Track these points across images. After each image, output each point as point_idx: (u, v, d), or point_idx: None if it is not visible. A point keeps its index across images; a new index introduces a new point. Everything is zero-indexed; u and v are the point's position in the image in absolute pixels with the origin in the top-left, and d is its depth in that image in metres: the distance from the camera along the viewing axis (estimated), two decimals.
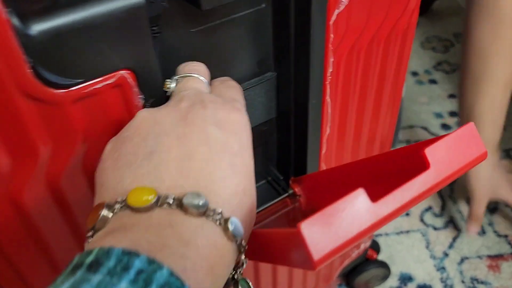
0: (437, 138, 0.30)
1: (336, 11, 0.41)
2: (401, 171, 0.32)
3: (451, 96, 1.36)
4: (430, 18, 1.64)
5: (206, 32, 0.41)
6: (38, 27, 0.28)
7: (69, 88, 0.31)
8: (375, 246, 0.93)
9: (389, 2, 0.45)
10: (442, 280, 0.95)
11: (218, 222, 0.26)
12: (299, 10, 0.41)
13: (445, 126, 1.26)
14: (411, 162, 0.31)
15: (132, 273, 0.22)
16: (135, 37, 0.32)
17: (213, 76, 0.44)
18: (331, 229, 0.25)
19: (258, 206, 0.54)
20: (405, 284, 0.94)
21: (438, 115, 1.30)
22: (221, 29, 0.42)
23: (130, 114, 0.35)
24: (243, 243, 0.28)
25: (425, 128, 1.26)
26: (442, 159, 0.29)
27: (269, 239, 0.30)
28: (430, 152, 0.29)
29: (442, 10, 1.67)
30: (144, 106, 0.35)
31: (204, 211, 0.26)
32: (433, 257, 0.99)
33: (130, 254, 0.22)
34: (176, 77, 0.36)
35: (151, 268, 0.22)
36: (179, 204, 0.26)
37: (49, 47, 0.29)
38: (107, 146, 0.31)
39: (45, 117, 0.32)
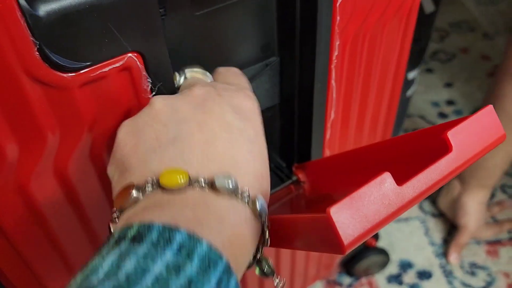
0: (458, 120, 0.30)
1: None
2: (422, 153, 0.31)
3: (447, 85, 1.36)
4: None
5: (210, 15, 0.40)
6: (45, 8, 0.27)
7: (77, 71, 0.30)
8: (374, 234, 0.93)
9: None
10: (441, 266, 0.95)
11: (247, 202, 0.28)
12: None
13: (442, 115, 1.26)
14: (431, 144, 0.30)
15: (174, 245, 0.23)
16: (144, 18, 0.31)
17: (217, 60, 0.44)
18: (359, 213, 0.25)
19: None
20: (405, 271, 0.94)
21: (435, 104, 1.30)
22: (225, 12, 0.41)
23: (138, 99, 0.34)
24: (267, 221, 0.29)
25: (422, 117, 1.26)
26: (464, 142, 0.29)
27: (292, 224, 0.29)
28: (452, 135, 0.29)
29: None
30: (152, 90, 0.34)
31: (234, 192, 0.28)
32: (432, 243, 0.99)
33: (171, 229, 0.24)
34: (185, 70, 0.38)
35: (192, 241, 0.24)
36: (211, 185, 0.28)
37: (57, 29, 0.28)
38: (120, 132, 0.31)
39: (52, 101, 0.31)
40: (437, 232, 1.01)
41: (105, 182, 0.38)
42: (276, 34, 0.46)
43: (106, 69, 0.31)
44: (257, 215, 0.29)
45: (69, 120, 0.32)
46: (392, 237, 1.00)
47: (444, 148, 0.28)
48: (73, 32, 0.29)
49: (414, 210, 1.05)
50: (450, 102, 1.30)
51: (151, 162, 0.29)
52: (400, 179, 0.26)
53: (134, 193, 0.27)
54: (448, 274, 0.94)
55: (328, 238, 0.24)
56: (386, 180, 0.25)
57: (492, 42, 1.50)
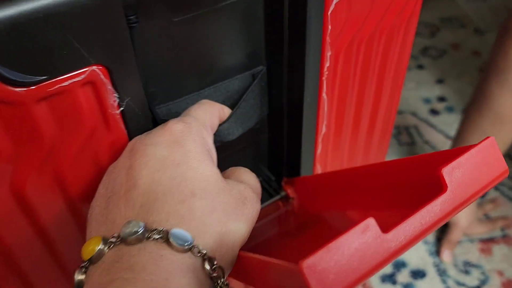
0: (455, 152, 0.26)
1: (335, 1, 0.37)
2: (414, 187, 0.28)
3: (439, 81, 1.35)
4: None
5: (190, 22, 0.37)
6: None
7: (31, 86, 0.27)
8: None
9: None
10: (435, 265, 0.94)
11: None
12: None
13: (433, 111, 1.26)
14: (425, 177, 0.27)
15: None
16: (108, 27, 0.28)
17: (198, 71, 0.41)
18: (337, 267, 0.22)
19: None
20: (399, 270, 0.93)
21: (426, 101, 1.29)
22: (207, 19, 0.38)
23: (103, 115, 0.31)
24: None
25: (413, 114, 1.25)
26: (461, 180, 0.25)
27: (264, 268, 0.26)
28: (448, 173, 0.25)
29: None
30: (120, 106, 0.31)
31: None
32: (425, 242, 0.99)
33: None
34: None
35: None
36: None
37: (5, 40, 0.25)
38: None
39: (5, 118, 0.28)
40: None
41: (74, 208, 0.35)
42: (263, 41, 0.42)
43: (66, 83, 0.28)
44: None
45: (25, 137, 0.29)
46: None
47: (438, 187, 0.25)
48: (25, 43, 0.26)
49: None
50: (441, 99, 1.29)
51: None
52: (386, 224, 0.23)
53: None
54: (442, 273, 0.93)
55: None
56: (369, 227, 0.22)
57: (483, 38, 1.48)
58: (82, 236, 0.37)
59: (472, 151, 0.26)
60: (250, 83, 0.44)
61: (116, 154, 0.34)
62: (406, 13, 0.45)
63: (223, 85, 0.42)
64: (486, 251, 0.96)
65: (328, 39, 0.39)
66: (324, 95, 0.43)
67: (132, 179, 0.29)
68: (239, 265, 0.30)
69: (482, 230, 0.97)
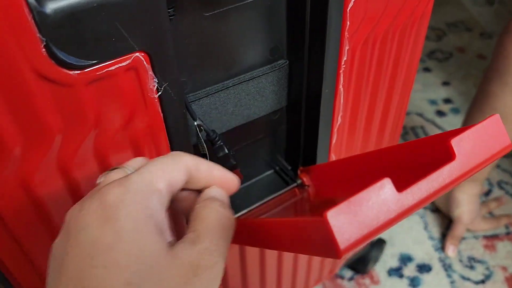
0: (463, 129, 0.29)
1: None
2: (425, 161, 0.31)
3: (445, 83, 1.38)
4: None
5: (219, 17, 0.40)
6: (53, 5, 0.27)
7: (83, 69, 0.30)
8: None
9: None
10: (441, 260, 0.97)
11: None
12: None
13: (439, 113, 1.29)
14: (435, 152, 0.30)
15: None
16: (152, 18, 0.31)
17: (225, 62, 0.43)
18: (357, 218, 0.25)
19: (266, 196, 0.53)
20: (405, 264, 0.96)
21: (433, 102, 1.32)
22: (235, 14, 0.41)
23: (144, 98, 0.34)
24: None
25: (420, 115, 1.28)
26: (468, 150, 0.28)
27: (289, 227, 0.29)
28: (456, 143, 0.28)
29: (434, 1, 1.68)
30: (158, 90, 0.34)
31: None
32: (431, 238, 1.01)
33: None
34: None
35: None
36: None
37: (64, 26, 0.28)
38: None
39: (58, 99, 0.31)
40: (436, 227, 1.03)
41: None
42: (285, 37, 0.45)
43: (113, 67, 0.31)
44: None
45: (75, 118, 0.32)
46: (392, 231, 1.02)
47: (448, 156, 0.28)
48: (80, 30, 0.29)
49: None
50: (447, 100, 1.32)
51: None
52: (401, 186, 0.26)
53: None
54: (447, 267, 0.95)
55: (324, 242, 0.24)
56: (385, 186, 0.25)
57: (488, 41, 1.51)
58: None
59: (479, 126, 0.29)
60: (272, 76, 0.46)
61: (152, 135, 0.37)
62: (418, 13, 0.48)
63: (247, 76, 0.45)
64: (490, 247, 0.98)
65: (346, 34, 0.42)
66: (341, 87, 0.46)
67: (64, 269, 0.25)
68: (257, 230, 0.33)
69: (486, 227, 1.00)
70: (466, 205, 0.96)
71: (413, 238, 1.00)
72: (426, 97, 1.33)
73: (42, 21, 0.27)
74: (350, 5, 0.40)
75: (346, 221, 0.24)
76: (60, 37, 0.28)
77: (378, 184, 0.25)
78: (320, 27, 0.41)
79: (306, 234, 0.27)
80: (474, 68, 1.41)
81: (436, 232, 1.02)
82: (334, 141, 0.51)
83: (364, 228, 0.25)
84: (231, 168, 0.44)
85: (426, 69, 1.42)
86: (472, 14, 1.62)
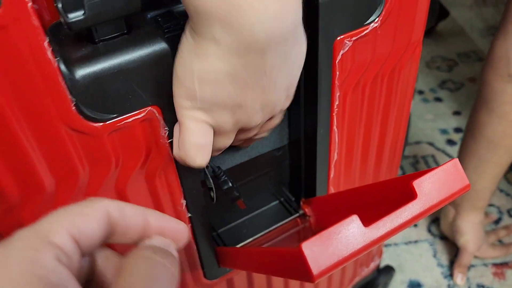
0: (425, 171, 0.34)
1: (341, 51, 0.45)
2: (392, 199, 0.36)
3: (456, 113, 1.42)
4: (435, 39, 1.71)
5: None
6: (81, 72, 0.34)
7: (105, 122, 0.36)
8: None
9: (392, 41, 0.49)
10: (450, 287, 1.00)
11: None
12: (308, 50, 0.45)
13: (450, 142, 1.32)
14: (401, 192, 0.35)
15: None
16: (162, 78, 0.37)
17: None
18: (328, 249, 0.30)
19: (271, 225, 0.58)
20: None
21: (444, 131, 1.35)
22: None
23: (156, 143, 0.40)
24: None
25: (431, 144, 1.32)
26: (428, 191, 0.33)
27: (273, 255, 0.34)
28: (418, 184, 0.33)
29: (445, 31, 1.74)
30: (169, 137, 0.40)
31: None
32: (440, 265, 1.04)
33: None
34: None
35: None
36: None
37: (90, 88, 0.35)
38: None
39: (84, 146, 0.37)
40: (445, 254, 1.06)
41: None
42: None
43: (130, 120, 0.37)
44: None
45: (98, 161, 0.38)
46: (401, 258, 1.05)
47: (410, 196, 0.33)
48: (103, 91, 0.35)
49: (423, 233, 1.10)
50: (458, 130, 1.36)
51: None
52: (369, 221, 0.31)
53: None
54: None
55: (301, 269, 0.29)
56: (353, 221, 0.30)
57: None
58: None
59: (439, 169, 0.34)
60: None
61: (165, 173, 0.43)
62: (405, 59, 0.53)
63: None
64: (499, 274, 1.01)
65: (336, 82, 0.47)
66: (335, 128, 0.51)
67: None
68: (250, 258, 0.38)
69: (495, 254, 1.02)
70: (470, 233, 0.99)
71: (423, 265, 1.03)
72: (437, 126, 1.36)
73: (73, 85, 0.34)
74: (338, 58, 0.46)
75: (319, 252, 0.30)
76: (87, 97, 0.35)
77: (347, 220, 0.31)
78: (312, 77, 0.47)
79: (286, 261, 0.32)
80: None
81: (445, 259, 1.04)
82: (332, 175, 0.56)
83: (334, 257, 0.30)
84: (235, 199, 0.49)
85: (438, 99, 1.46)
86: (480, 46, 1.66)
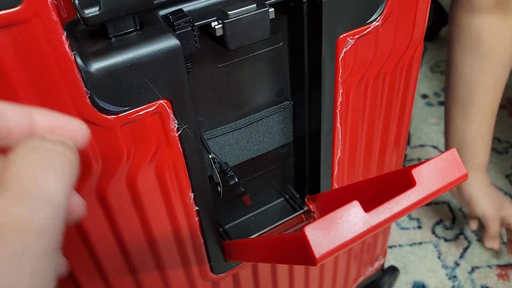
0: (424, 162, 0.36)
1: (344, 49, 0.47)
2: (393, 189, 0.38)
3: None
4: (439, 43, 1.73)
5: (231, 67, 0.48)
6: (96, 66, 0.35)
7: (118, 114, 0.38)
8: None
9: (393, 39, 0.51)
10: None
11: None
12: (312, 49, 0.47)
13: None
14: (401, 181, 0.36)
15: None
16: (173, 73, 0.39)
17: (237, 104, 0.51)
18: (330, 233, 0.31)
19: (276, 221, 0.59)
20: None
21: None
22: (244, 64, 0.48)
23: (166, 136, 0.42)
24: None
25: (435, 147, 1.33)
26: (427, 179, 0.35)
27: (277, 242, 0.36)
28: (416, 173, 0.35)
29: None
30: (178, 130, 0.42)
31: None
32: (445, 266, 1.05)
33: None
34: None
35: None
36: None
37: (104, 81, 0.36)
38: None
39: (98, 138, 0.38)
40: (449, 255, 1.06)
41: (138, 206, 0.45)
42: (289, 81, 0.53)
43: (141, 113, 0.39)
44: None
45: (110, 152, 0.40)
46: (406, 259, 1.05)
47: (410, 184, 0.34)
48: (117, 84, 0.37)
49: (427, 235, 1.11)
50: None
51: None
52: (370, 209, 0.33)
53: None
54: None
55: (304, 253, 0.31)
56: (354, 207, 0.32)
57: None
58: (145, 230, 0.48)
59: (437, 158, 0.35)
60: (278, 115, 0.54)
61: (174, 166, 0.44)
62: (407, 57, 0.55)
63: (256, 116, 0.53)
64: (504, 276, 1.01)
65: (339, 79, 0.49)
66: (338, 125, 0.53)
67: None
68: (255, 248, 0.39)
69: None
70: (483, 199, 0.93)
71: (427, 266, 1.04)
72: (441, 130, 1.38)
73: (88, 78, 0.35)
74: (341, 55, 0.47)
75: (321, 235, 0.31)
76: (101, 90, 0.36)
77: (348, 206, 0.32)
78: (316, 74, 0.48)
79: (290, 247, 0.33)
80: None
81: (449, 261, 1.05)
82: (335, 171, 0.58)
83: (336, 241, 0.31)
84: (241, 195, 0.51)
85: (442, 103, 1.48)
86: None
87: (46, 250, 0.20)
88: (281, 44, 0.49)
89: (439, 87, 1.54)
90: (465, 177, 0.36)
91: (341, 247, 0.31)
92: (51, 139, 0.23)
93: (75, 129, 0.25)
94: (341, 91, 0.50)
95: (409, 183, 0.34)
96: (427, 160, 0.36)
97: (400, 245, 1.08)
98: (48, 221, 0.20)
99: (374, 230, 0.32)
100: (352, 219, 0.31)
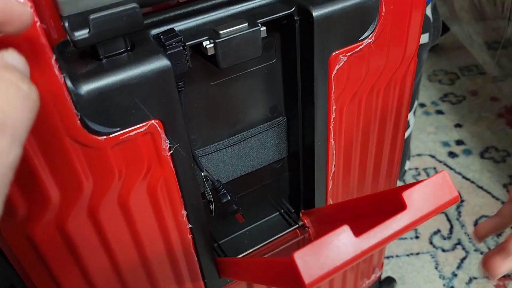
0: (415, 183, 0.35)
1: (337, 66, 0.47)
2: (384, 210, 0.37)
3: (457, 125, 1.43)
4: (436, 52, 1.73)
5: (224, 84, 0.48)
6: (86, 88, 0.35)
7: (109, 135, 0.38)
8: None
9: (386, 55, 0.51)
10: None
11: None
12: (305, 65, 0.47)
13: (451, 154, 1.33)
14: (392, 203, 0.36)
15: None
16: (164, 93, 0.38)
17: (231, 121, 0.51)
18: (319, 259, 0.31)
19: (271, 236, 0.59)
20: None
21: (445, 144, 1.37)
22: (238, 81, 0.48)
23: (158, 156, 0.41)
24: None
25: (432, 156, 1.33)
26: (418, 202, 0.35)
27: (268, 265, 0.35)
28: (407, 196, 0.35)
29: (447, 46, 1.77)
30: (170, 149, 0.42)
31: None
32: (442, 277, 1.04)
33: None
34: None
35: None
36: None
37: (94, 103, 0.36)
38: None
39: (88, 158, 0.38)
40: (447, 266, 1.06)
41: (131, 224, 0.45)
42: (282, 97, 0.53)
43: (132, 133, 0.39)
44: None
45: (102, 173, 0.40)
46: (403, 270, 1.05)
47: (400, 206, 0.34)
48: (107, 105, 0.37)
49: (424, 245, 1.11)
50: (459, 142, 1.37)
51: None
52: (361, 232, 0.32)
53: None
54: None
55: (293, 278, 0.30)
56: (344, 232, 0.31)
57: (501, 84, 1.55)
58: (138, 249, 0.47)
59: (428, 181, 0.35)
60: (272, 131, 0.54)
61: (165, 184, 0.44)
62: (400, 73, 0.55)
63: (250, 133, 0.52)
64: (501, 287, 1.01)
65: (332, 96, 0.49)
66: (332, 140, 0.53)
67: None
68: (247, 268, 0.39)
69: None
70: None
71: (424, 277, 1.04)
72: (439, 139, 1.38)
73: (78, 100, 0.35)
74: (334, 72, 0.47)
75: (310, 261, 0.31)
76: (91, 112, 0.36)
77: (338, 231, 0.32)
78: (309, 91, 0.48)
79: (280, 271, 0.33)
80: (487, 111, 1.46)
81: (447, 271, 1.05)
82: (330, 186, 0.58)
83: (325, 267, 0.31)
84: (234, 212, 0.51)
85: (439, 112, 1.48)
86: (479, 60, 1.67)
87: None
88: (274, 60, 0.49)
89: (436, 96, 1.54)
90: (456, 199, 0.36)
91: (331, 273, 0.31)
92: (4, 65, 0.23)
93: (13, 8, 0.24)
94: (334, 107, 0.50)
95: (400, 206, 0.34)
96: (419, 181, 0.35)
97: (397, 256, 1.08)
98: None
99: (364, 255, 0.32)
100: (342, 245, 0.31)
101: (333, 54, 0.46)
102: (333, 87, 0.48)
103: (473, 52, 1.42)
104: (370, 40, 0.47)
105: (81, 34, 0.34)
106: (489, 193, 1.20)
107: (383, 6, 0.46)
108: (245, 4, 0.44)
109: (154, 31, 0.41)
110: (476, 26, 1.34)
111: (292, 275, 0.31)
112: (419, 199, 0.34)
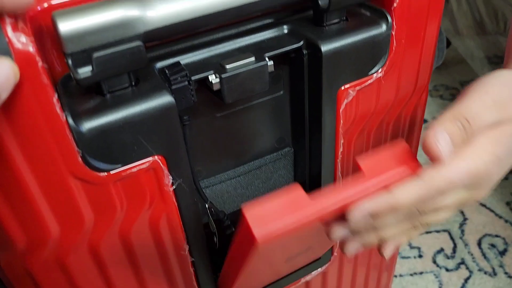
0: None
1: (345, 101, 0.46)
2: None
3: None
4: (438, 68, 1.71)
5: (230, 116, 0.47)
6: (87, 125, 0.35)
7: (110, 171, 0.37)
8: None
9: (397, 88, 0.50)
10: None
11: None
12: (313, 99, 0.46)
13: None
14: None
15: None
16: (167, 129, 0.38)
17: (237, 153, 0.50)
18: (270, 214, 0.32)
19: None
20: None
21: None
22: (244, 113, 0.48)
23: (161, 191, 0.41)
24: None
25: None
26: (373, 167, 0.35)
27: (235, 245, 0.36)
28: (362, 160, 0.37)
29: (448, 60, 1.74)
30: (173, 184, 0.41)
31: None
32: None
33: None
34: None
35: None
36: None
37: (96, 140, 0.35)
38: None
39: (90, 194, 0.38)
40: (451, 286, 1.04)
41: (132, 258, 0.44)
42: (289, 129, 0.52)
43: (135, 169, 0.38)
44: None
45: (103, 208, 0.39)
46: None
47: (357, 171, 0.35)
48: (109, 142, 0.36)
49: (428, 264, 1.09)
50: None
51: None
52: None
53: None
54: None
55: (246, 235, 0.30)
56: (296, 189, 0.31)
57: None
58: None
59: (385, 147, 0.37)
60: (279, 163, 0.53)
61: (168, 218, 0.43)
62: (411, 105, 0.54)
63: (256, 164, 0.52)
64: None
65: (340, 130, 0.48)
66: (339, 173, 0.52)
67: None
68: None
69: None
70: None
71: None
72: None
73: (79, 138, 0.35)
74: (342, 107, 0.46)
75: (261, 215, 0.31)
76: (92, 149, 0.36)
77: (289, 187, 0.33)
78: (316, 124, 0.47)
79: (240, 238, 0.33)
80: None
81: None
82: None
83: (278, 222, 0.32)
84: None
85: None
86: (480, 75, 1.66)
87: None
88: (281, 92, 0.49)
89: (438, 111, 1.52)
90: (416, 167, 0.38)
91: (284, 228, 0.31)
92: None
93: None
94: (342, 141, 0.49)
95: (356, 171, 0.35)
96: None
97: (400, 275, 1.07)
98: None
99: (317, 214, 0.32)
100: (293, 201, 0.33)
101: (342, 88, 0.45)
102: (341, 121, 0.47)
103: (474, 67, 1.41)
104: (380, 75, 0.46)
105: (84, 72, 0.34)
106: (492, 211, 1.19)
107: (394, 41, 0.45)
108: (253, 36, 0.44)
109: (159, 64, 0.40)
110: (477, 40, 1.33)
111: (244, 232, 0.31)
112: (375, 165, 0.35)
